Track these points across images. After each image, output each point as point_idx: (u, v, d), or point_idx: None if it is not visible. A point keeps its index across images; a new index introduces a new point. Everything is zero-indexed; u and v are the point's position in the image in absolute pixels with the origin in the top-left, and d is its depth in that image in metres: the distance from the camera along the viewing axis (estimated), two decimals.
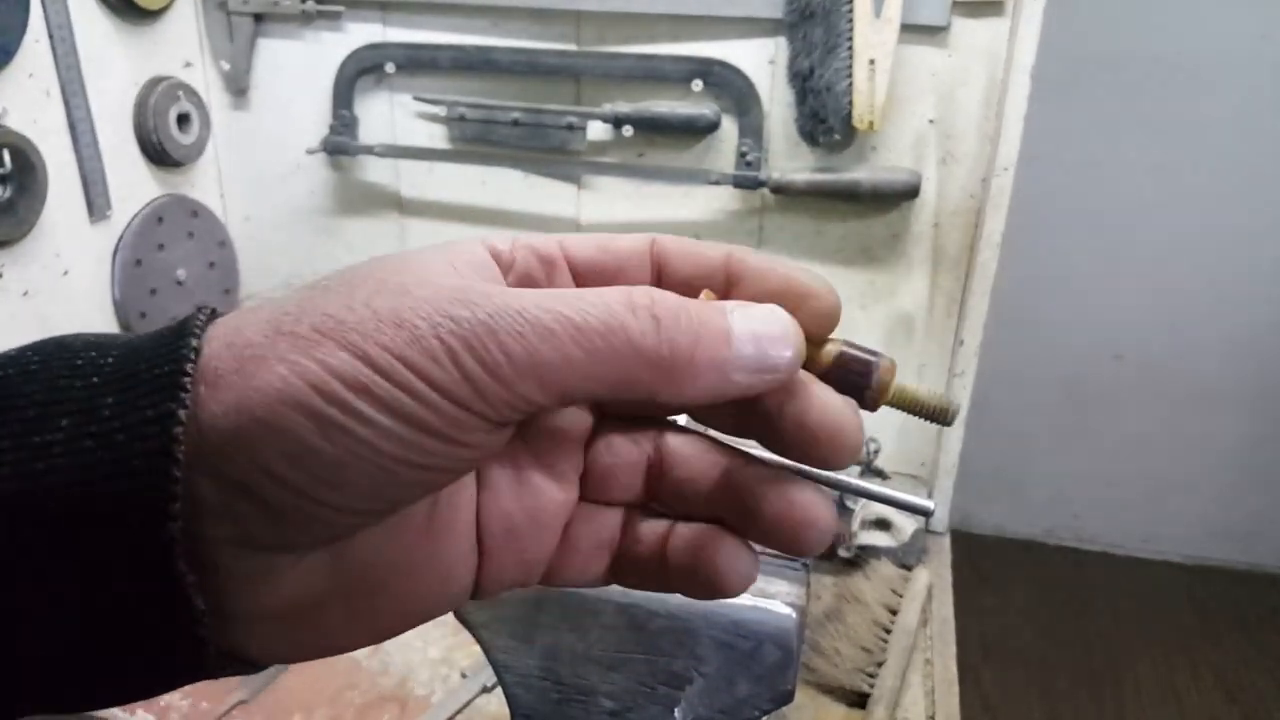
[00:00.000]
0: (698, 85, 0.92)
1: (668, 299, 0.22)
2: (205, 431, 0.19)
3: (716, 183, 0.95)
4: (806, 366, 0.25)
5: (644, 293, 0.22)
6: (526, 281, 0.25)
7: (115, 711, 0.75)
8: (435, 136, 1.02)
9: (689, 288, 0.25)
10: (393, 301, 0.21)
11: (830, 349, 0.26)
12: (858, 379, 0.26)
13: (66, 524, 0.19)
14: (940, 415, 0.27)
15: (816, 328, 0.25)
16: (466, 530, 0.24)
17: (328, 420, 0.19)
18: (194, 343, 0.20)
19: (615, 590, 0.48)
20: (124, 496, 0.19)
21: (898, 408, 0.26)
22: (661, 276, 0.26)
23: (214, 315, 0.22)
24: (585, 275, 0.26)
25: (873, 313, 0.99)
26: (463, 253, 0.24)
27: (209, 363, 0.20)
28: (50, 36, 0.85)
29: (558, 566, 0.26)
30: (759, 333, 0.22)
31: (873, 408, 0.26)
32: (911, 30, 0.86)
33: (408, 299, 0.21)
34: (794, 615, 0.47)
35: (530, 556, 0.25)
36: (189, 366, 0.20)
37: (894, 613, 0.86)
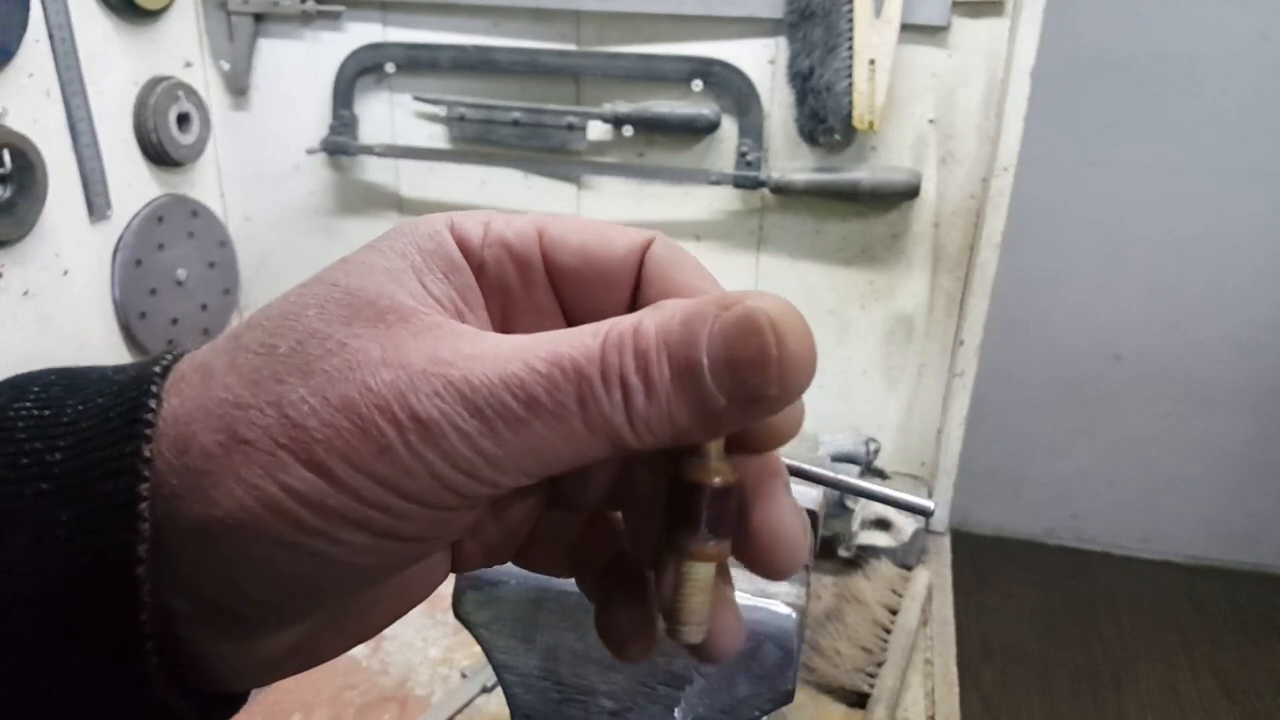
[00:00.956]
0: (698, 85, 0.92)
1: (640, 352, 0.19)
2: (169, 553, 0.19)
3: (716, 182, 0.95)
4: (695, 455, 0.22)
5: (616, 348, 0.19)
6: (499, 292, 0.24)
7: None
8: (435, 136, 1.02)
9: None
10: (353, 390, 0.19)
11: (723, 470, 0.22)
12: (711, 524, 0.22)
13: (33, 638, 0.18)
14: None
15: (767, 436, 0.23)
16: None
17: (294, 545, 0.19)
18: (145, 451, 0.19)
19: None
20: (95, 618, 0.18)
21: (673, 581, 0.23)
22: (639, 297, 0.24)
23: (166, 372, 0.20)
24: (565, 285, 0.24)
25: (872, 313, 0.99)
26: (428, 260, 0.22)
27: (164, 479, 0.19)
28: (50, 36, 0.85)
29: (522, 557, 0.26)
30: (736, 359, 0.19)
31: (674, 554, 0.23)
32: (911, 30, 0.86)
33: (368, 388, 0.19)
34: (794, 615, 0.47)
35: (497, 550, 0.25)
36: (143, 488, 0.18)
37: (894, 613, 0.86)
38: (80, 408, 0.20)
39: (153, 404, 0.19)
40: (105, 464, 0.19)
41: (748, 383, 0.19)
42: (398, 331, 0.20)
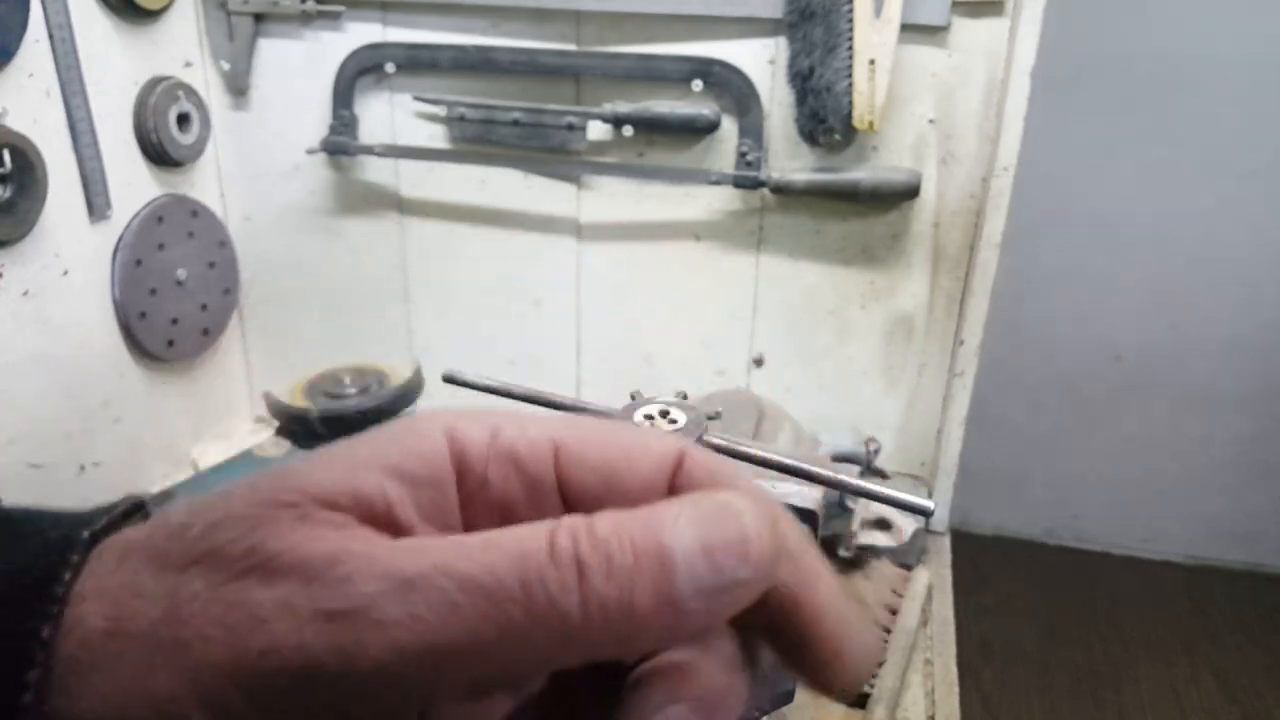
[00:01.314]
0: (698, 85, 0.92)
1: (596, 535, 0.17)
2: None
3: (716, 182, 0.95)
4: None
5: (569, 532, 0.17)
6: (500, 509, 0.20)
7: None
8: (435, 136, 1.02)
9: None
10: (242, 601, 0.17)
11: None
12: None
13: None
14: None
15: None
16: None
17: None
18: (44, 631, 0.17)
19: None
20: None
21: None
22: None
23: (95, 541, 0.18)
24: (581, 508, 0.19)
25: (873, 313, 0.99)
26: (404, 475, 0.19)
27: (57, 662, 0.17)
28: (50, 36, 0.85)
29: None
30: (710, 543, 0.17)
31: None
32: (911, 30, 0.86)
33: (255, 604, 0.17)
34: None
35: None
36: (31, 674, 0.16)
37: (894, 613, 0.86)
38: None
39: (66, 576, 0.17)
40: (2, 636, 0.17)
41: (719, 564, 0.17)
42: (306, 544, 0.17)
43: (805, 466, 0.53)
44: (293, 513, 0.17)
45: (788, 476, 0.55)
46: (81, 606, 0.17)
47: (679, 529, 0.17)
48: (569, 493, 0.21)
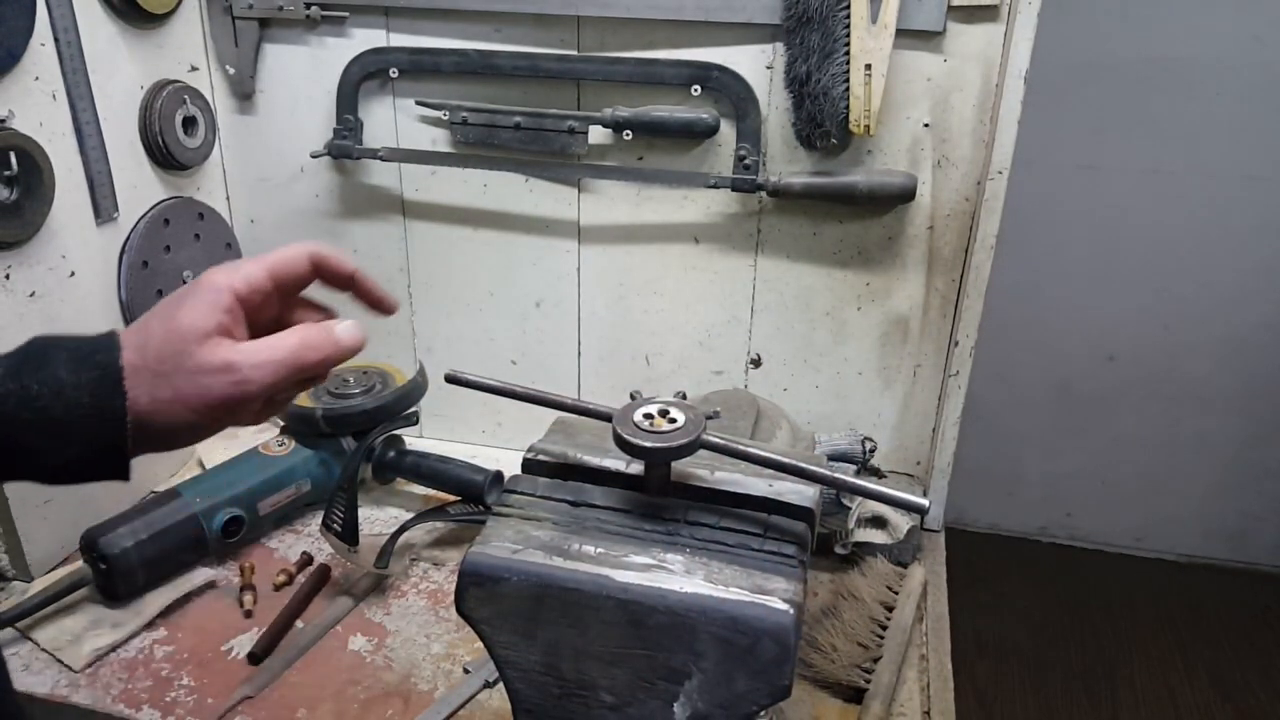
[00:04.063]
0: (697, 90, 0.93)
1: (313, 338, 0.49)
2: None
3: (715, 186, 0.96)
4: None
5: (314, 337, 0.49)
6: (252, 309, 0.50)
7: (124, 709, 0.77)
8: (438, 140, 1.03)
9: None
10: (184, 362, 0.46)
11: None
12: None
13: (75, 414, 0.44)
14: None
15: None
16: None
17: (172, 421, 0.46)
18: (120, 360, 0.45)
19: (615, 587, 0.49)
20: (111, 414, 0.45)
21: None
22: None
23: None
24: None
25: (869, 314, 1.01)
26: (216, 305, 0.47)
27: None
28: (56, 40, 0.86)
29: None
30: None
31: None
32: (907, 35, 0.87)
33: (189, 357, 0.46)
34: (791, 611, 0.48)
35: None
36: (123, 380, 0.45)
37: (890, 609, 0.87)
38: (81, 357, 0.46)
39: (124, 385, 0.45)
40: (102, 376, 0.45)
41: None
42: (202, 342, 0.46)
43: (802, 465, 0.54)
44: (204, 340, 0.46)
45: (785, 475, 0.56)
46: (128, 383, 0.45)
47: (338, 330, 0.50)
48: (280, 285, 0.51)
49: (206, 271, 0.48)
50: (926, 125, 0.91)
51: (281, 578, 0.92)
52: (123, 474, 0.46)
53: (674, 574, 0.51)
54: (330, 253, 0.52)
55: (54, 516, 0.92)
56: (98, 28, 0.91)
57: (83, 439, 0.44)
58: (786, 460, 0.54)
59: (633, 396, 0.58)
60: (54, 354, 0.45)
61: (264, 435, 1.06)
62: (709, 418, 0.55)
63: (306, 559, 0.95)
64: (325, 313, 0.55)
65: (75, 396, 0.43)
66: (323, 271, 0.52)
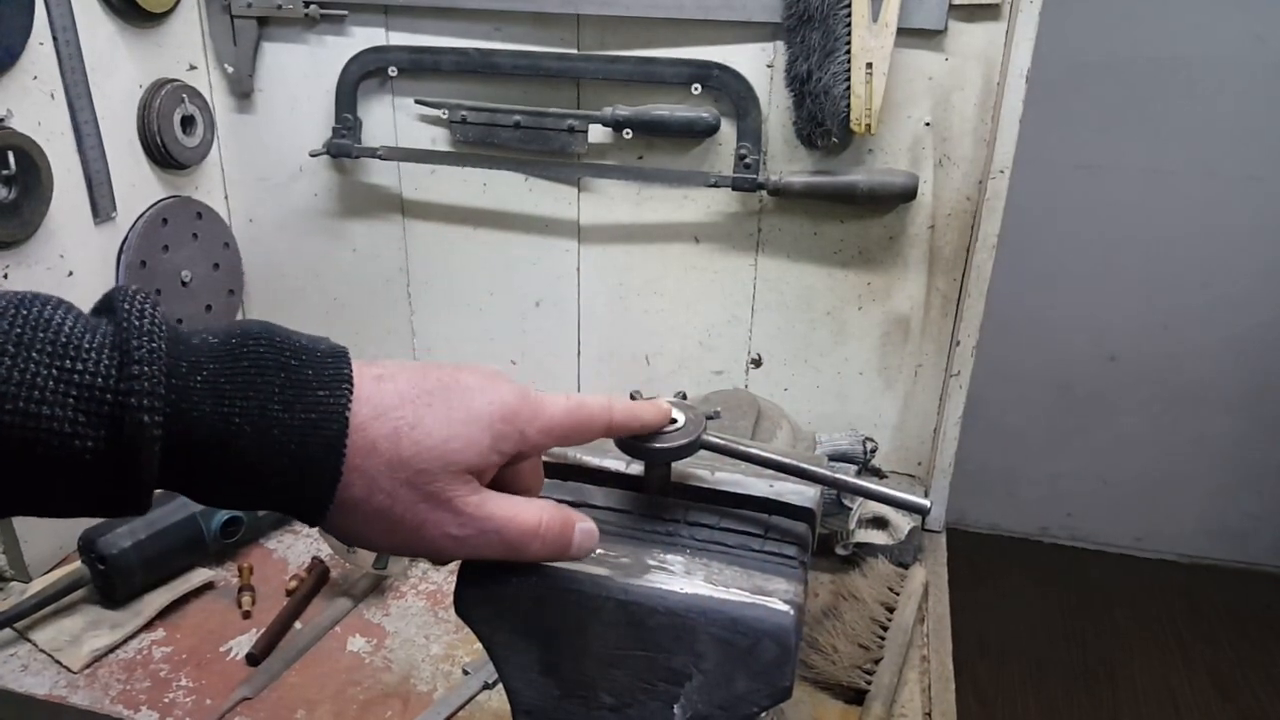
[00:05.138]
0: (697, 89, 0.93)
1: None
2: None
3: (715, 185, 0.96)
4: None
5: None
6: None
7: (122, 710, 0.76)
8: (437, 139, 1.03)
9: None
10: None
11: None
12: None
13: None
14: None
15: None
16: None
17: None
18: (347, 413, 0.36)
19: (615, 588, 0.49)
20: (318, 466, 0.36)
21: None
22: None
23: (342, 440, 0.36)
24: None
25: (870, 314, 1.00)
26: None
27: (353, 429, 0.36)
28: (54, 39, 0.86)
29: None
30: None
31: None
32: (908, 34, 0.87)
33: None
34: (792, 612, 0.48)
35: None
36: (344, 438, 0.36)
37: (891, 610, 0.87)
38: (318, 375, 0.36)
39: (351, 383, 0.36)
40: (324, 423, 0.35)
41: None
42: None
43: (803, 465, 0.54)
44: (450, 477, 0.37)
45: (785, 475, 0.55)
46: (350, 477, 0.36)
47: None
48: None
49: (519, 387, 0.40)
50: (927, 124, 0.91)
51: (293, 583, 0.90)
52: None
53: (674, 574, 0.50)
54: (624, 423, 0.45)
55: None
56: (96, 27, 0.91)
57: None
58: (787, 461, 0.54)
59: (633, 396, 0.58)
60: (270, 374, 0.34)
61: None
62: (709, 418, 0.55)
63: (318, 563, 0.93)
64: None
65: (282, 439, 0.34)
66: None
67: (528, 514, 0.40)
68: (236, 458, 0.33)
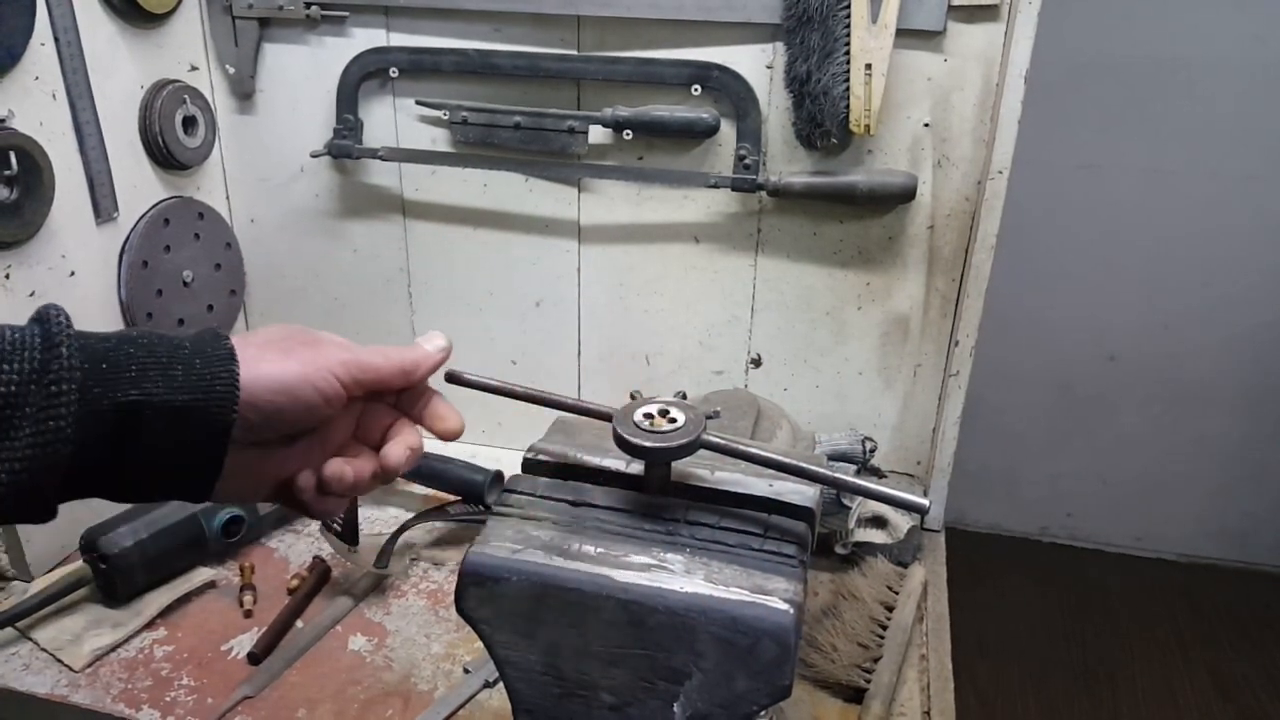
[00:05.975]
0: (697, 89, 0.93)
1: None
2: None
3: (715, 185, 0.96)
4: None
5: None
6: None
7: (124, 709, 0.77)
8: (438, 140, 1.03)
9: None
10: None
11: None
12: None
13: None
14: None
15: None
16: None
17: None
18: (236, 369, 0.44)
19: (615, 587, 0.49)
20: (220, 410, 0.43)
21: None
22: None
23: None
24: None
25: (869, 314, 1.01)
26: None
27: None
28: (56, 40, 0.86)
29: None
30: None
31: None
32: (907, 35, 0.87)
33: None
34: (791, 611, 0.48)
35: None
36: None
37: (890, 609, 0.87)
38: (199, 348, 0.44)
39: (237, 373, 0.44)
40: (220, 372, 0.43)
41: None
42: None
43: (802, 465, 0.54)
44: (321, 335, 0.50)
45: (785, 475, 0.56)
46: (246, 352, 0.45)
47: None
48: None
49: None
50: (927, 125, 0.91)
51: (294, 582, 0.91)
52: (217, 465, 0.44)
53: (674, 574, 0.50)
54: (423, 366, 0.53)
55: None
56: (98, 27, 0.91)
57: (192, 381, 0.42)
58: (787, 460, 0.54)
59: (632, 396, 0.58)
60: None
61: None
62: (709, 418, 0.55)
63: (319, 563, 0.94)
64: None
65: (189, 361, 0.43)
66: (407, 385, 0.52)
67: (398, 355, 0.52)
68: (145, 351, 0.42)
